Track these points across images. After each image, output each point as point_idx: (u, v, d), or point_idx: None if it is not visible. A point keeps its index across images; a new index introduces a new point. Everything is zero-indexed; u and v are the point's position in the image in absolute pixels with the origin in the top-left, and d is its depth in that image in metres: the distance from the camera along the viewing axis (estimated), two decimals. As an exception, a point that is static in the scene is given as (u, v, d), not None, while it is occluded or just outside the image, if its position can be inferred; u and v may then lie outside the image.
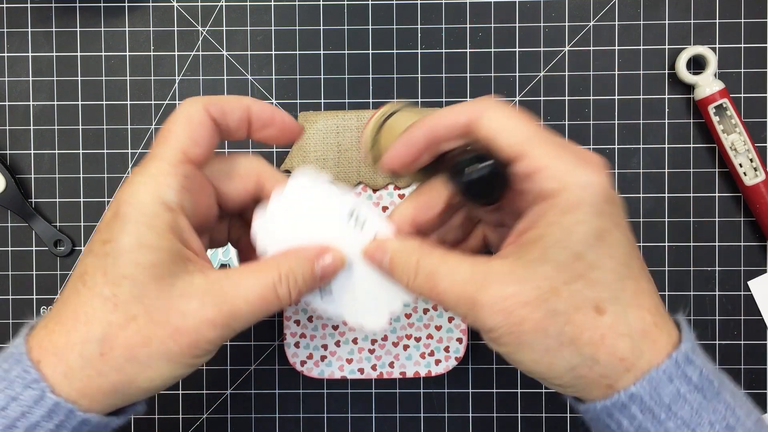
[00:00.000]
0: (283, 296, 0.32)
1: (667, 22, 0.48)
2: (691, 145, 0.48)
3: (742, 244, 0.47)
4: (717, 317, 0.47)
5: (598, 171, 0.29)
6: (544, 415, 0.48)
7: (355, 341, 0.46)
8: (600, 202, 0.29)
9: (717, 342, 0.47)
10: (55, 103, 0.48)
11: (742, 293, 0.47)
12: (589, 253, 0.29)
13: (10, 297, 0.48)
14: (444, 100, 0.48)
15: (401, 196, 0.46)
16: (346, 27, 0.48)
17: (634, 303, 0.29)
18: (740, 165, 0.46)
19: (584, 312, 0.29)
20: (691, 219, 0.48)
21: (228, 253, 0.48)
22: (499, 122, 0.30)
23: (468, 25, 0.48)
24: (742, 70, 0.47)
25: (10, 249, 0.48)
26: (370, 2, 0.48)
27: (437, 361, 0.46)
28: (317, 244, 0.34)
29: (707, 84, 0.46)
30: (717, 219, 0.48)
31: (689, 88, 0.47)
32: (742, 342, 0.47)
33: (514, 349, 0.30)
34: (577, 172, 0.29)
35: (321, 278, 0.34)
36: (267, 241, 0.34)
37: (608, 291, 0.29)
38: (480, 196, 0.32)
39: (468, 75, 0.48)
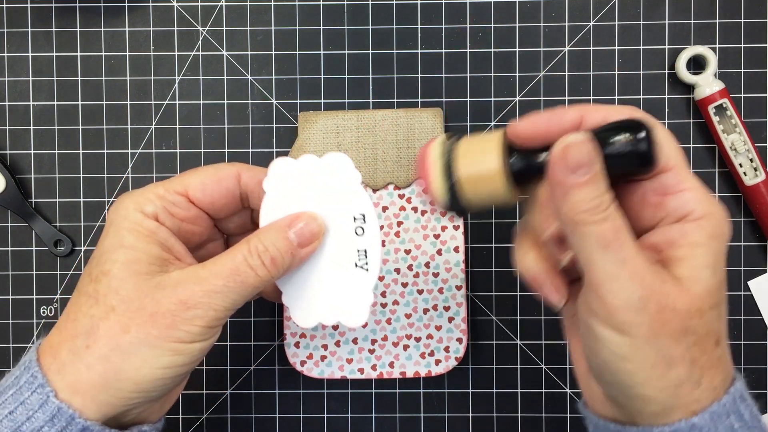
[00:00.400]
0: (256, 266, 0.33)
1: (667, 22, 0.48)
2: (691, 145, 0.48)
3: (742, 244, 0.47)
4: (717, 317, 0.47)
5: (724, 210, 0.30)
6: (544, 415, 0.48)
7: (355, 341, 0.46)
8: (728, 236, 0.30)
9: (717, 342, 0.47)
10: (55, 103, 0.48)
11: (742, 293, 0.47)
12: (723, 284, 0.30)
13: (10, 297, 0.48)
14: (444, 100, 0.48)
15: (401, 196, 0.46)
16: (346, 27, 0.48)
17: (726, 339, 0.31)
18: (740, 165, 0.46)
19: (710, 339, 0.29)
20: (691, 219, 0.48)
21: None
22: (657, 130, 0.30)
23: (468, 25, 0.48)
24: (742, 70, 0.47)
25: (10, 249, 0.48)
26: (370, 2, 0.48)
27: (437, 361, 0.46)
28: (293, 213, 0.35)
29: (707, 84, 0.46)
30: (717, 219, 0.48)
31: (689, 88, 0.47)
32: (742, 342, 0.47)
33: (640, 343, 0.29)
34: (717, 204, 0.30)
35: (299, 244, 0.34)
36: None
37: (723, 324, 0.30)
38: (620, 164, 0.29)
39: (468, 75, 0.48)
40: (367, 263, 0.35)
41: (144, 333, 0.31)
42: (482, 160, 0.31)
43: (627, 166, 0.30)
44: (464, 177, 0.32)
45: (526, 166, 0.31)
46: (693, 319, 0.29)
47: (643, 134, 0.29)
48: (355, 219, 0.35)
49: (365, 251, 0.35)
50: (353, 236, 0.35)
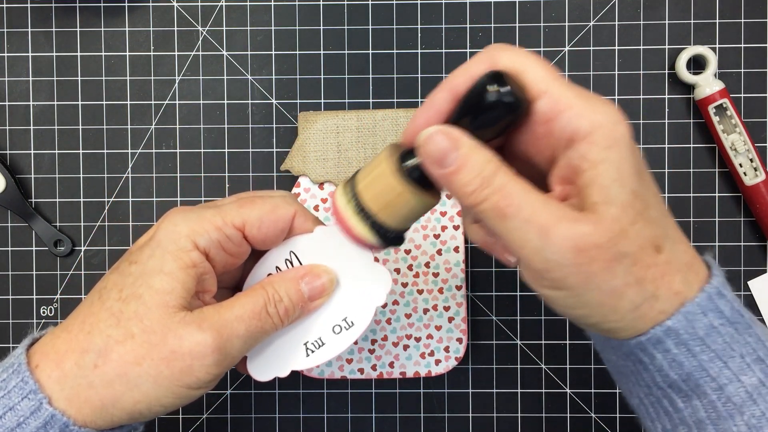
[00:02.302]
0: (273, 314, 0.33)
1: (667, 22, 0.48)
2: (691, 145, 0.48)
3: (742, 244, 0.47)
4: (717, 317, 0.47)
5: (620, 112, 0.29)
6: (544, 415, 0.48)
7: (355, 341, 0.46)
8: (630, 139, 0.28)
9: (717, 342, 0.47)
10: (55, 103, 0.48)
11: (742, 293, 0.47)
12: (640, 190, 0.28)
13: (10, 297, 0.48)
14: (444, 100, 0.48)
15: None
16: (346, 27, 0.48)
17: (678, 238, 0.30)
18: (740, 165, 0.46)
19: (647, 251, 0.28)
20: (691, 219, 0.48)
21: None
22: (519, 61, 0.29)
23: (468, 25, 0.48)
24: (742, 70, 0.47)
25: (10, 249, 0.48)
26: (370, 2, 0.48)
27: (437, 361, 0.46)
28: (309, 266, 0.35)
29: (707, 84, 0.46)
30: (717, 219, 0.47)
31: (689, 88, 0.47)
32: (742, 342, 0.47)
33: (579, 292, 0.28)
34: (604, 110, 0.28)
35: (310, 297, 0.34)
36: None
37: (661, 228, 0.29)
38: (494, 120, 0.29)
39: (468, 75, 0.48)
40: (347, 328, 0.35)
41: (156, 371, 0.31)
42: (381, 183, 0.31)
43: (503, 120, 0.29)
44: (378, 208, 0.31)
45: (421, 166, 0.30)
46: (618, 244, 0.27)
47: (501, 87, 0.28)
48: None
49: (352, 322, 0.35)
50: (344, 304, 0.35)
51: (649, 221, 0.28)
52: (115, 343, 0.31)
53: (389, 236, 0.32)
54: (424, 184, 0.31)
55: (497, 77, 0.28)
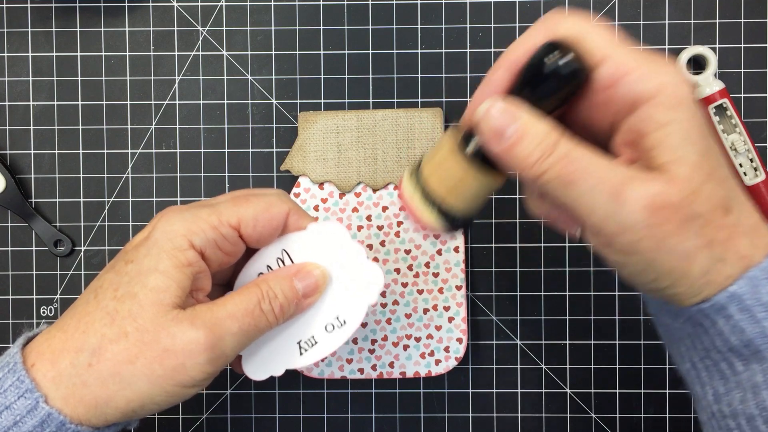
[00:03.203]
0: (267, 311, 0.33)
1: (667, 22, 0.48)
2: (691, 145, 0.48)
3: (742, 244, 0.47)
4: (717, 317, 0.47)
5: (678, 71, 0.28)
6: (544, 415, 0.48)
7: (355, 341, 0.46)
8: (693, 98, 0.28)
9: (717, 342, 0.47)
10: (55, 103, 0.48)
11: (742, 293, 0.47)
12: (709, 150, 0.28)
13: (10, 297, 0.48)
14: (444, 100, 0.48)
15: (401, 197, 0.46)
16: (346, 27, 0.48)
17: (744, 199, 0.29)
18: (740, 165, 0.46)
19: (717, 212, 0.28)
20: (691, 219, 0.47)
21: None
22: (578, 28, 0.28)
23: (468, 25, 0.48)
24: (742, 70, 0.47)
25: (10, 249, 0.48)
26: (370, 2, 0.48)
27: (437, 361, 0.46)
28: (301, 263, 0.35)
29: (707, 84, 0.46)
30: (717, 219, 0.47)
31: (689, 88, 0.47)
32: (742, 342, 0.47)
33: (651, 256, 0.28)
34: (667, 71, 0.28)
35: (304, 294, 0.34)
36: None
37: (730, 189, 0.28)
38: (555, 90, 0.29)
39: (468, 75, 0.48)
40: (340, 326, 0.35)
41: (149, 369, 0.31)
42: (444, 167, 0.31)
43: (564, 90, 0.29)
44: (443, 193, 0.31)
45: (481, 145, 0.30)
46: (692, 204, 0.27)
47: (561, 57, 0.28)
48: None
49: (344, 320, 0.35)
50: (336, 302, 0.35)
51: (719, 181, 0.28)
52: (108, 342, 0.31)
53: (457, 221, 0.32)
54: (488, 163, 0.30)
55: (556, 46, 0.28)
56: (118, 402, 0.31)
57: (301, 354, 0.35)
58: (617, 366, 0.47)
